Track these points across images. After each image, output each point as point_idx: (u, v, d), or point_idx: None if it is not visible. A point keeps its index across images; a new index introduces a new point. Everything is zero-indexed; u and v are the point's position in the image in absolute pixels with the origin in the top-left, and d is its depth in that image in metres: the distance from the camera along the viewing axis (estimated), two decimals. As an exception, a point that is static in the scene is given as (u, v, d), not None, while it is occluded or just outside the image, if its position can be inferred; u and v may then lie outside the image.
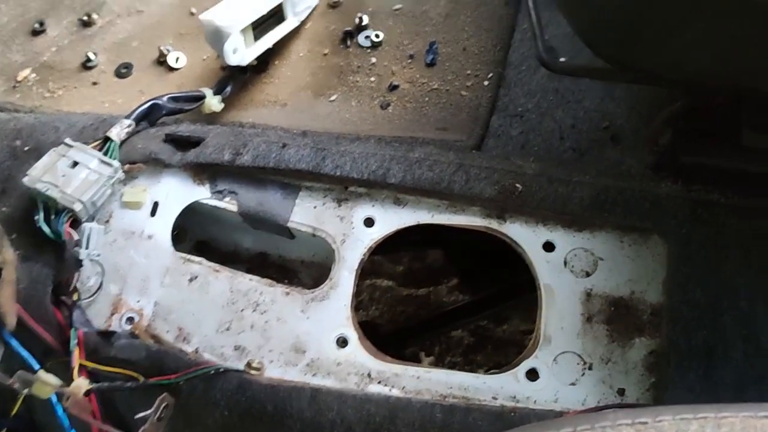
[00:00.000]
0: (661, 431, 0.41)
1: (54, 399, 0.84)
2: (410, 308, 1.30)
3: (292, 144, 0.97)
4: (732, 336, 0.78)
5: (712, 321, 0.80)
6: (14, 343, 0.87)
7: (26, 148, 1.02)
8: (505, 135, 1.12)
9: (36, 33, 1.36)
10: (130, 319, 0.91)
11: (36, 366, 0.86)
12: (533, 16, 0.93)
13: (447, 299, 1.31)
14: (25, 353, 0.87)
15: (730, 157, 0.86)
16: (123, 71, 1.30)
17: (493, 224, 0.92)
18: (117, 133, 0.99)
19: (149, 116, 1.05)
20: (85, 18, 1.36)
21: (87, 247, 0.90)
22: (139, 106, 1.04)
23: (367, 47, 1.28)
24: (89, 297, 0.92)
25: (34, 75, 1.32)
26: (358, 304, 1.25)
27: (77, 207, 0.91)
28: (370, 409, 0.81)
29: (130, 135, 1.01)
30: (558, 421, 0.44)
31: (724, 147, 0.86)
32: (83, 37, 1.35)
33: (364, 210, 0.95)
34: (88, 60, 1.31)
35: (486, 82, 1.21)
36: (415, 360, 1.20)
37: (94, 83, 1.30)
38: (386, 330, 1.22)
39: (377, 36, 1.27)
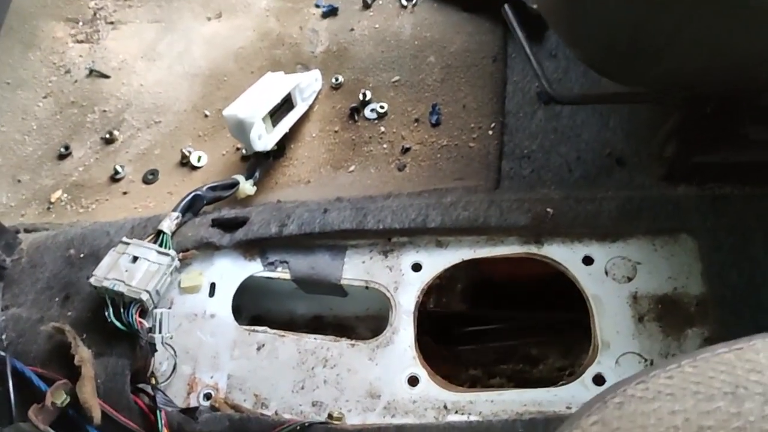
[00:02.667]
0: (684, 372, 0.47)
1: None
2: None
3: (332, 208, 1.04)
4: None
5: (754, 298, 0.86)
6: (101, 436, 0.91)
7: (81, 255, 1.08)
8: (518, 176, 1.20)
9: (62, 157, 1.44)
10: (208, 395, 0.95)
11: (124, 455, 0.89)
12: (533, 61, 1.03)
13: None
14: (112, 445, 0.90)
15: (735, 152, 0.95)
16: (150, 177, 1.38)
17: (533, 249, 0.99)
18: (168, 225, 1.05)
19: (192, 207, 1.12)
20: (107, 136, 1.44)
21: (160, 332, 0.95)
22: (183, 199, 1.11)
23: (374, 119, 1.38)
24: (165, 380, 0.96)
25: (66, 195, 1.39)
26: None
27: (144, 297, 0.96)
28: (455, 437, 0.84)
29: (179, 226, 1.08)
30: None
31: (729, 144, 0.94)
32: (108, 153, 1.44)
33: (409, 257, 1.01)
34: (116, 172, 1.38)
35: (490, 132, 1.31)
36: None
37: (125, 193, 1.37)
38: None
39: (382, 107, 1.37)
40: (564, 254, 0.98)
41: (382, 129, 1.36)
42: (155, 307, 0.99)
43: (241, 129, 1.21)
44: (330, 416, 0.89)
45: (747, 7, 0.65)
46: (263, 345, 0.98)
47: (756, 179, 0.93)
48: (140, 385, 0.94)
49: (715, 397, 0.45)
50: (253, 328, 1.00)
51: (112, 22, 1.62)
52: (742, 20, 0.69)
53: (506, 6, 1.08)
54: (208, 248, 1.05)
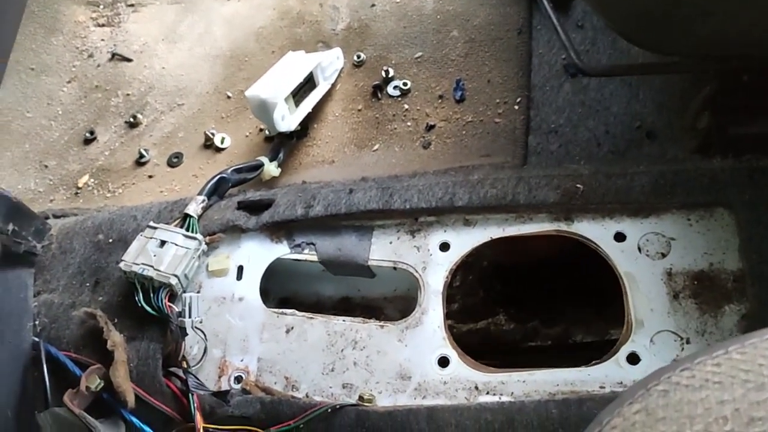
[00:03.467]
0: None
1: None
2: (474, 341, 1.32)
3: (358, 188, 1.03)
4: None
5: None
6: (135, 420, 0.92)
7: (110, 240, 1.08)
8: (546, 151, 1.18)
9: (88, 141, 1.45)
10: (239, 378, 0.95)
11: (159, 438, 0.90)
12: (560, 31, 1.00)
13: (507, 328, 1.33)
14: (147, 428, 0.91)
15: (773, 123, 0.91)
16: (174, 160, 1.38)
17: (563, 226, 0.97)
18: (194, 209, 1.05)
19: (218, 190, 1.12)
20: (132, 120, 1.45)
21: (190, 316, 0.95)
22: (208, 182, 1.11)
23: (398, 96, 1.36)
24: (196, 364, 0.96)
25: (92, 180, 1.40)
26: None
27: (173, 281, 0.96)
28: (486, 417, 0.83)
29: (205, 209, 1.07)
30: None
31: (764, 114, 0.91)
32: (132, 137, 1.44)
33: (437, 236, 1.00)
34: (141, 156, 1.39)
35: (516, 107, 1.28)
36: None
37: (150, 176, 1.38)
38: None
39: (405, 84, 1.35)
40: (595, 231, 0.95)
41: (406, 106, 1.34)
42: (184, 291, 0.99)
43: (264, 110, 1.20)
44: (361, 398, 0.89)
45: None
46: (292, 327, 0.97)
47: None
48: (172, 369, 0.95)
49: (766, 386, 0.43)
50: (281, 311, 0.99)
51: (132, 5, 1.61)
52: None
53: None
54: (234, 231, 1.05)
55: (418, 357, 0.92)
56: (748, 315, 0.86)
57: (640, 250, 0.93)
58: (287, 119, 1.22)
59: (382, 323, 0.96)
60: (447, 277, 0.97)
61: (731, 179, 0.92)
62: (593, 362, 0.89)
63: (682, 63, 0.94)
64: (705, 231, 0.92)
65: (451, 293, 1.33)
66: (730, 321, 0.87)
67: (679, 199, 0.93)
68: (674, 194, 0.93)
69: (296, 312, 0.99)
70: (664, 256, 0.93)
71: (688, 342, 0.87)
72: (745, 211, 0.89)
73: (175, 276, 0.97)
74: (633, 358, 0.88)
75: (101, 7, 1.62)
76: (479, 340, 1.33)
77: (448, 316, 1.32)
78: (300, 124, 1.29)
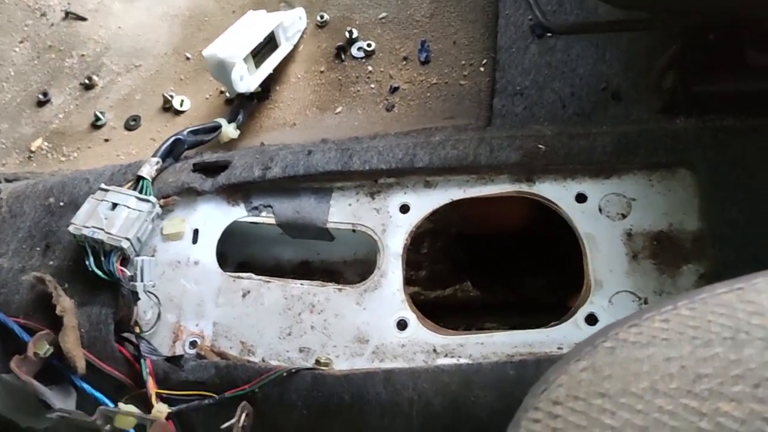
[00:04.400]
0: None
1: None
2: (439, 309, 1.32)
3: (316, 150, 1.01)
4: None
5: (755, 235, 0.83)
6: (86, 386, 0.89)
7: (61, 204, 1.05)
8: (510, 113, 1.16)
9: (41, 104, 1.40)
10: (193, 343, 0.93)
11: (111, 405, 0.88)
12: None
13: (474, 294, 1.32)
14: (98, 394, 0.89)
15: (738, 81, 0.90)
16: (132, 123, 1.34)
17: (524, 188, 0.95)
18: (147, 171, 1.02)
19: (173, 152, 1.08)
20: (87, 81, 1.40)
21: (142, 280, 0.92)
22: (163, 143, 1.07)
23: (361, 57, 1.32)
24: (150, 329, 0.94)
25: (46, 143, 1.35)
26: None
27: (125, 244, 0.93)
28: (443, 379, 0.83)
29: (159, 172, 1.04)
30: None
31: (730, 72, 0.90)
32: (88, 99, 1.39)
33: (397, 198, 0.98)
34: (97, 119, 1.34)
35: (482, 69, 1.26)
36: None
37: (106, 140, 1.34)
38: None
39: (369, 45, 1.32)
40: (556, 192, 0.94)
41: (370, 68, 1.31)
42: (137, 255, 0.97)
43: (222, 70, 1.16)
44: (317, 362, 0.87)
45: None
46: (248, 292, 0.95)
47: (759, 110, 0.89)
48: (124, 335, 0.93)
49: (713, 343, 0.42)
50: (238, 274, 0.97)
51: (87, -39, 1.55)
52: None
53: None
54: (190, 194, 1.02)
55: (376, 320, 0.91)
56: (706, 275, 0.86)
57: (600, 210, 0.92)
58: (246, 80, 1.18)
59: (340, 286, 0.95)
60: (407, 240, 0.96)
61: (694, 139, 0.91)
62: (552, 324, 0.89)
63: (648, 20, 0.92)
64: (666, 191, 0.92)
65: (418, 260, 1.32)
66: (687, 281, 0.87)
67: (640, 159, 0.92)
68: (636, 155, 0.92)
69: (252, 276, 0.97)
70: (624, 216, 0.92)
71: (645, 302, 0.87)
72: (706, 172, 0.88)
73: (127, 239, 0.94)
74: (591, 319, 0.87)
75: (55, -37, 1.55)
76: (446, 306, 1.33)
77: (415, 283, 1.32)
78: (261, 85, 1.26)
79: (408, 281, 1.27)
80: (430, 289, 1.34)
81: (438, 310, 1.25)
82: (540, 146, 0.95)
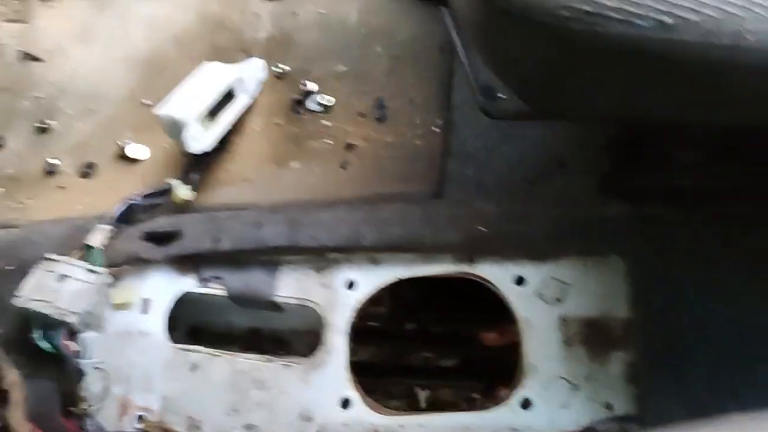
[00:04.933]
0: None
1: None
2: (401, 345, 1.34)
3: (266, 222, 1.02)
4: (692, 337, 0.86)
5: (673, 327, 0.88)
6: (32, 461, 0.90)
7: (10, 268, 1.05)
8: (462, 177, 1.18)
9: (-5, 147, 1.38)
10: (140, 418, 0.95)
11: (57, 479, 0.89)
12: (469, 72, 1.00)
13: (436, 330, 1.34)
14: (44, 469, 0.90)
15: (666, 175, 0.94)
16: (87, 171, 1.33)
17: (466, 268, 0.98)
18: (97, 240, 1.03)
19: (126, 217, 1.09)
20: (41, 125, 1.39)
21: (90, 357, 0.94)
22: (116, 210, 1.08)
23: (319, 111, 1.34)
24: (97, 404, 0.95)
25: (2, 189, 1.34)
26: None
27: (72, 319, 0.94)
28: (384, 461, 0.86)
29: (112, 238, 1.05)
30: None
31: (660, 166, 0.94)
32: (42, 143, 1.38)
33: (344, 274, 1.00)
34: (51, 166, 1.33)
35: (436, 129, 1.28)
36: (411, 395, 1.24)
37: (61, 187, 1.33)
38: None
39: (326, 99, 1.33)
40: (496, 273, 0.98)
41: (327, 123, 1.33)
42: (87, 327, 0.98)
43: (175, 129, 1.17)
44: (261, 441, 0.90)
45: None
46: (197, 366, 0.97)
47: (685, 203, 0.93)
48: (72, 409, 0.94)
49: None
50: (186, 347, 0.99)
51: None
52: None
53: (444, 9, 1.04)
54: (140, 263, 1.03)
55: (320, 398, 0.94)
56: (633, 364, 0.90)
57: (537, 294, 0.96)
58: (201, 139, 1.19)
59: (287, 361, 0.97)
60: (353, 317, 0.98)
61: (625, 227, 0.95)
62: (488, 407, 0.92)
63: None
64: (599, 278, 0.96)
65: (379, 297, 1.34)
66: (616, 368, 0.91)
67: (575, 245, 0.96)
68: (571, 240, 0.96)
69: (201, 348, 0.99)
70: (559, 301, 0.95)
71: (577, 389, 0.91)
72: (634, 261, 0.93)
73: (75, 313, 0.95)
74: (526, 404, 0.91)
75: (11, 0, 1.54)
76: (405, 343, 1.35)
77: (376, 319, 1.34)
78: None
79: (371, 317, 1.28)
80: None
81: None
82: (481, 228, 0.98)
